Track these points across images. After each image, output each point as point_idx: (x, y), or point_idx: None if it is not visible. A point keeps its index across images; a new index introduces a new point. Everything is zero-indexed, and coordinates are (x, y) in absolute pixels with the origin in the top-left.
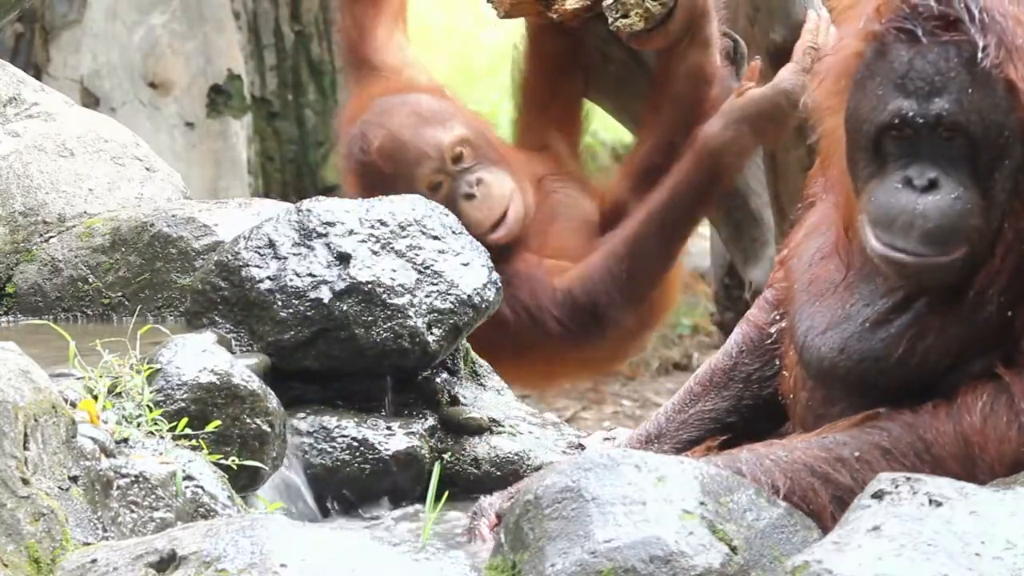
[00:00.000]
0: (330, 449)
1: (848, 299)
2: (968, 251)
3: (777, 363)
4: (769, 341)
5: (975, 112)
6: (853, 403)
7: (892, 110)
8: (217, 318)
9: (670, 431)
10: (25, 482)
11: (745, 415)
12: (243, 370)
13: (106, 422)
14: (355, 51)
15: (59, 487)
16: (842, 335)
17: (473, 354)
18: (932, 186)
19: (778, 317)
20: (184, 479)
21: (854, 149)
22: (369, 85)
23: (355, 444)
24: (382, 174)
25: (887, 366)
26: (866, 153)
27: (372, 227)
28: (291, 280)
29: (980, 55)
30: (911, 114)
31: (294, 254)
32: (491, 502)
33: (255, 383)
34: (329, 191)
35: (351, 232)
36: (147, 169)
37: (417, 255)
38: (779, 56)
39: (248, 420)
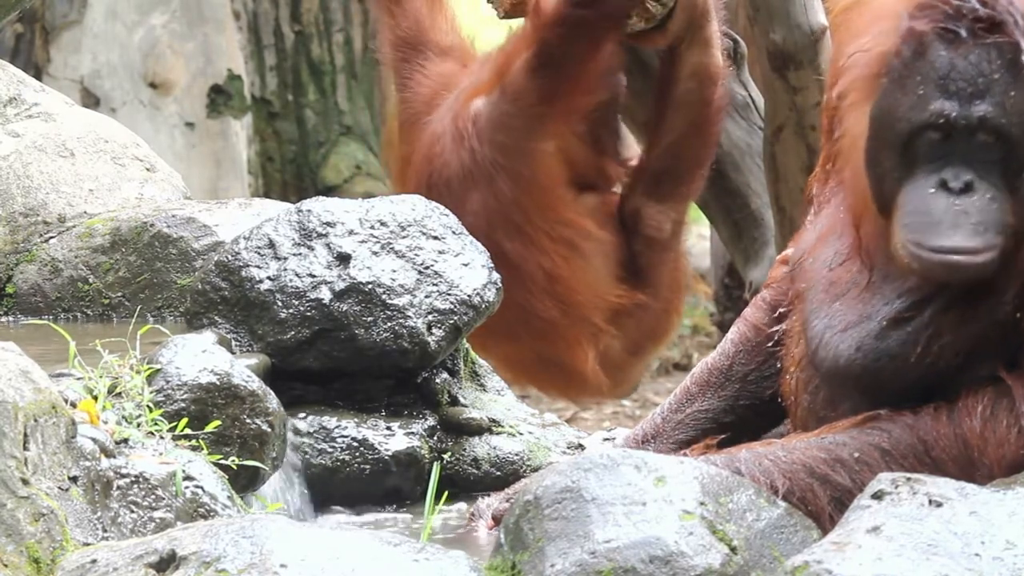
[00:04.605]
0: (330, 449)
1: (871, 299)
2: (1002, 249)
3: (774, 363)
4: (767, 342)
5: (1016, 115)
6: (862, 404)
7: (934, 110)
8: (217, 318)
9: (666, 431)
10: (25, 482)
11: (741, 415)
12: (243, 370)
13: (106, 422)
14: (423, 35)
15: (59, 487)
16: (860, 334)
17: (473, 354)
18: (968, 189)
19: (779, 318)
20: (184, 479)
21: (880, 148)
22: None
23: (355, 444)
24: None
25: (903, 365)
26: (893, 152)
27: (372, 227)
28: (291, 280)
29: (1023, 57)
30: (954, 115)
31: (294, 254)
32: (489, 503)
33: (255, 383)
34: (329, 191)
35: (351, 232)
36: (147, 169)
37: (417, 255)
38: (779, 56)
39: (248, 420)
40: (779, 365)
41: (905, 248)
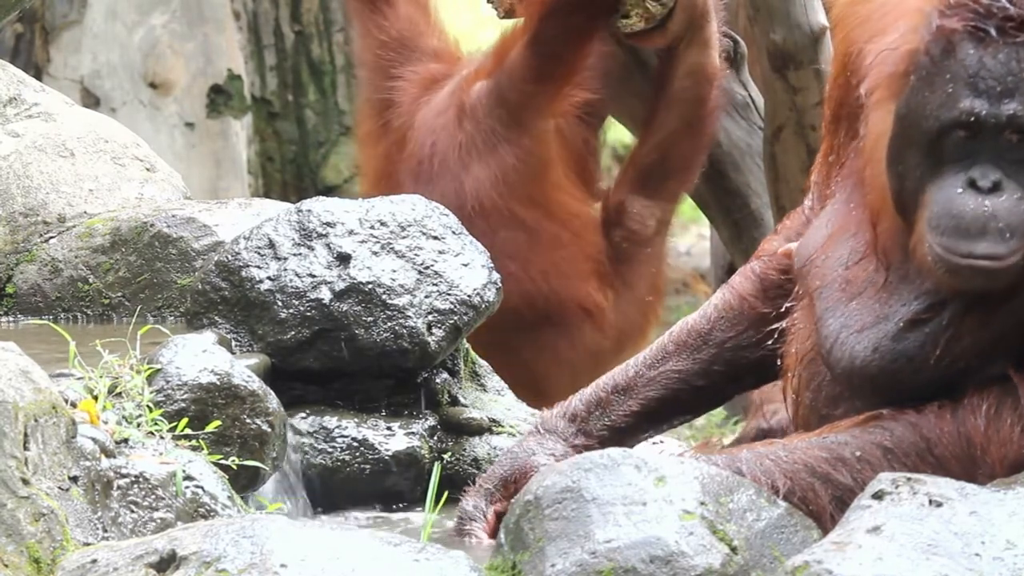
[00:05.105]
0: (330, 449)
1: (889, 299)
2: None
3: (753, 334)
4: (749, 312)
5: None
6: (871, 403)
7: (964, 108)
8: (217, 318)
9: (638, 386)
10: (25, 482)
11: (714, 380)
12: (243, 370)
13: (106, 422)
14: (417, 37)
15: (59, 487)
16: (877, 335)
17: (473, 354)
18: (996, 188)
19: (765, 291)
20: (184, 479)
21: (905, 146)
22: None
23: (355, 444)
24: None
25: (921, 366)
26: (919, 150)
27: (372, 227)
28: (291, 280)
29: None
30: (984, 113)
31: (294, 254)
32: (475, 504)
33: (255, 383)
34: (329, 191)
35: (351, 232)
36: (147, 169)
37: (417, 255)
38: (779, 56)
39: (248, 420)
40: (756, 337)
41: (932, 251)
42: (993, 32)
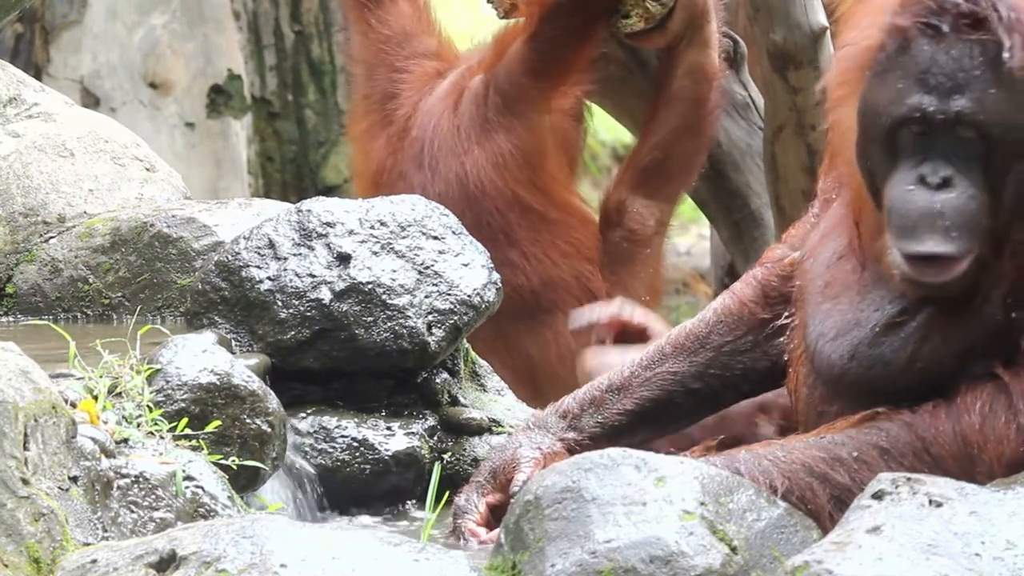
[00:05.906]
0: (330, 449)
1: (861, 303)
2: (979, 253)
3: (751, 340)
4: (749, 318)
5: (995, 112)
6: (857, 405)
7: (912, 104)
8: (217, 318)
9: (633, 386)
10: (25, 482)
11: (710, 383)
12: (243, 370)
13: (106, 422)
14: (416, 35)
15: (59, 487)
16: (852, 341)
17: (473, 354)
18: (946, 184)
19: (766, 297)
20: (184, 479)
21: (867, 141)
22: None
23: (355, 444)
24: None
25: (896, 372)
26: (879, 146)
27: (372, 227)
28: (291, 280)
29: (1005, 55)
30: (931, 109)
31: (294, 254)
32: (468, 498)
33: (255, 383)
34: (329, 191)
35: (351, 232)
36: (147, 169)
37: (417, 255)
38: (779, 56)
39: (248, 420)
40: (754, 343)
41: (891, 252)
42: (946, 28)
